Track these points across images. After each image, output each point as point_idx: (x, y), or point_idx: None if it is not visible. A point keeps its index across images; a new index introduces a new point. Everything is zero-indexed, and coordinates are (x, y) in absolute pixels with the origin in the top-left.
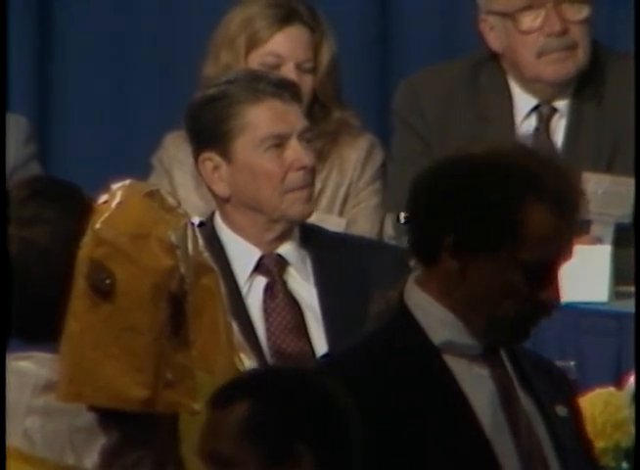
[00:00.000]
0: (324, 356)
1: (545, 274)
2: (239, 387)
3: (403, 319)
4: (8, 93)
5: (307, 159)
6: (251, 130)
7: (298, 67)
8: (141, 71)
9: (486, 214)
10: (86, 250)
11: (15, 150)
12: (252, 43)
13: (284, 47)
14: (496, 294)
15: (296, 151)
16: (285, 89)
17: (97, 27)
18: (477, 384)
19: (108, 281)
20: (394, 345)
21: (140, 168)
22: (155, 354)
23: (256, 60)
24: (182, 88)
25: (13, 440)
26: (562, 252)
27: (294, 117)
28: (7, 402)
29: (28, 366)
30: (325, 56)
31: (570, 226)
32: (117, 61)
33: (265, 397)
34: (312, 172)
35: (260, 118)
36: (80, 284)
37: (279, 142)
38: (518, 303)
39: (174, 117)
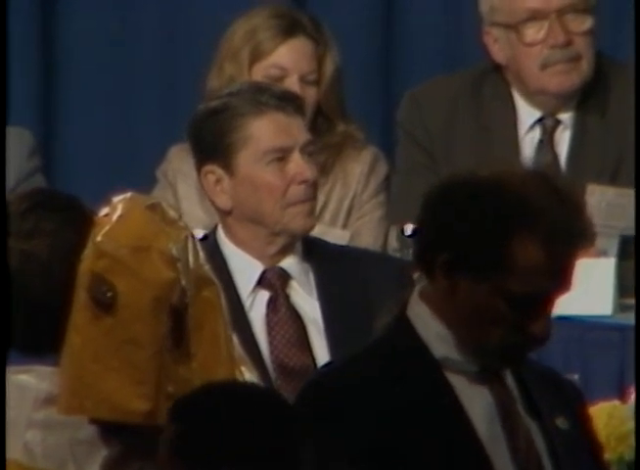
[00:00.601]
0: (326, 365)
1: (535, 307)
2: (173, 408)
3: (404, 330)
4: (9, 105)
5: (309, 172)
6: (254, 143)
7: (302, 79)
8: (145, 84)
9: (479, 239)
10: (87, 262)
11: (18, 163)
12: (256, 55)
13: (287, 59)
14: (483, 319)
15: (298, 164)
16: (288, 102)
17: (101, 40)
18: (475, 398)
19: (109, 294)
20: (395, 355)
21: (144, 181)
22: (156, 367)
23: (260, 72)
24: (187, 101)
25: (13, 453)
26: (555, 286)
27: (296, 131)
28: (7, 416)
29: (29, 380)
30: (329, 68)
31: (566, 262)
32: (122, 73)
33: (196, 420)
34: (314, 186)
35: (263, 131)
36: (81, 297)
37: (281, 155)
38: (505, 331)
39: (179, 129)
